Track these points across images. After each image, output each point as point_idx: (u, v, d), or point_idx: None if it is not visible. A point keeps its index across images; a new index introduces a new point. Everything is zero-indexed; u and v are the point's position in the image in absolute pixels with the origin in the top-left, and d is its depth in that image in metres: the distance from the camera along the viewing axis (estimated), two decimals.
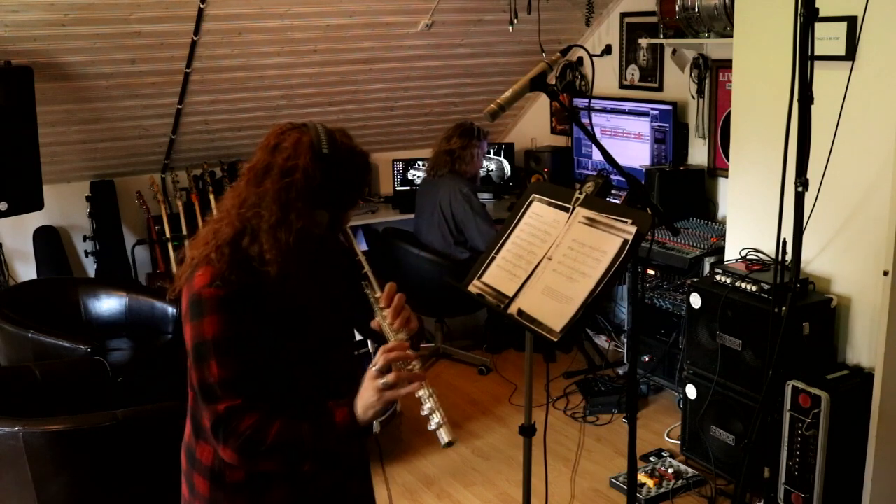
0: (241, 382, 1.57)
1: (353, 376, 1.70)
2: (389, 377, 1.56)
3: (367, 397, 1.57)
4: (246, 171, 1.66)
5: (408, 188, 5.49)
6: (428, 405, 1.58)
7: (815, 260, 3.20)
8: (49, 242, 4.73)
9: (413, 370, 1.60)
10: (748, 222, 3.48)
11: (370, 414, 1.58)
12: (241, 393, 1.56)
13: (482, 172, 5.60)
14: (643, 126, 4.63)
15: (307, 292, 1.69)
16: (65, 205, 4.78)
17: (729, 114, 3.84)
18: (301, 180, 1.57)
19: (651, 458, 3.60)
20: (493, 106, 2.11)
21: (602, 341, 4.93)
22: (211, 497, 1.71)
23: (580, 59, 5.18)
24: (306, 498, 1.75)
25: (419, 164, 5.50)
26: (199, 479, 1.72)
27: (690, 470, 3.47)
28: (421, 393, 1.58)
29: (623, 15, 4.86)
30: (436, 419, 1.57)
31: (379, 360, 1.58)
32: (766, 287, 3.11)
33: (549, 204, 2.24)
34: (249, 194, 1.61)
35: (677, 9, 4.06)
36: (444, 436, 1.56)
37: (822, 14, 2.18)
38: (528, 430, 2.46)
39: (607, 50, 5.00)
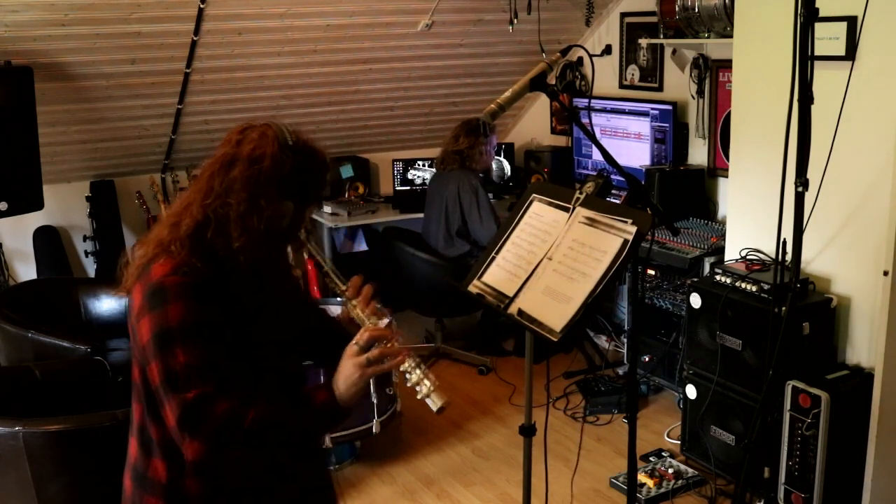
0: (210, 370, 1.47)
1: (300, 383, 1.72)
2: (373, 352, 1.54)
3: (348, 374, 1.54)
4: (207, 166, 1.63)
5: (408, 188, 5.49)
6: (414, 377, 1.56)
7: (815, 260, 3.20)
8: (49, 242, 4.73)
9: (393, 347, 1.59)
10: (748, 222, 3.48)
11: (353, 391, 1.53)
12: (211, 380, 1.47)
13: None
14: (643, 126, 4.63)
15: (272, 287, 1.67)
16: (65, 205, 4.78)
17: (729, 114, 3.84)
18: (270, 167, 1.56)
19: (651, 458, 3.60)
20: (492, 106, 2.11)
21: (602, 341, 4.93)
22: None
23: (580, 59, 5.18)
24: None
25: (419, 164, 5.50)
26: (152, 501, 1.63)
27: (690, 470, 3.47)
28: (405, 366, 1.57)
29: (623, 15, 4.86)
30: (423, 389, 1.55)
31: (362, 337, 1.56)
32: (766, 287, 3.11)
33: (550, 204, 2.24)
34: (214, 185, 1.58)
35: (677, 9, 4.06)
36: (434, 402, 1.53)
37: (822, 14, 2.18)
38: (528, 430, 2.46)
39: (607, 50, 5.00)
